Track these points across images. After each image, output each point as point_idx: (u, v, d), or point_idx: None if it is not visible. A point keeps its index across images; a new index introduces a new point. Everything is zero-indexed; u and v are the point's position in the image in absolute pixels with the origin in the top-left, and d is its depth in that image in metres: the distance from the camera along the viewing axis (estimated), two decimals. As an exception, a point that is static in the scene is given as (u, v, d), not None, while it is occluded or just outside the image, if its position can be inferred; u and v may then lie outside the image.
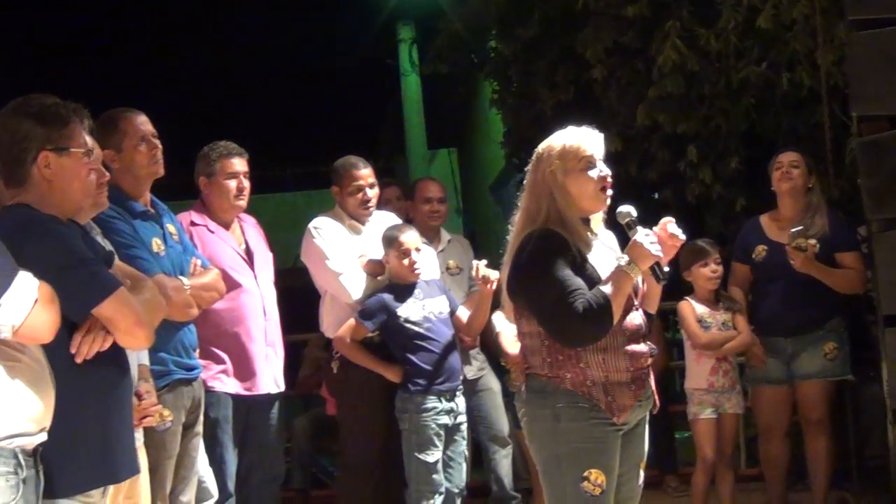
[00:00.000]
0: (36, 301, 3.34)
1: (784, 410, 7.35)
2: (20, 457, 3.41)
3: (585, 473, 4.56)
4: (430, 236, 7.42)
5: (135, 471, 4.21)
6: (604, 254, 4.72)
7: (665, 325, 8.59)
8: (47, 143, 3.95)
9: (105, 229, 4.96)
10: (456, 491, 6.73)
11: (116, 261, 4.36)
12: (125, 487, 4.50)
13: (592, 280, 4.54)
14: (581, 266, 4.56)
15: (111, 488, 4.05)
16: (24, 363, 3.44)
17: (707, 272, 7.11)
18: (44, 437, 3.52)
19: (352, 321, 6.59)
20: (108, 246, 4.64)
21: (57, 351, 3.71)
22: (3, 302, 3.29)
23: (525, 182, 4.77)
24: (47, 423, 3.54)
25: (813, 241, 7.08)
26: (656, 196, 9.98)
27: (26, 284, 3.34)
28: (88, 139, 4.08)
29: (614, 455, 4.63)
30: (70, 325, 3.78)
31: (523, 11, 10.42)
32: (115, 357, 3.98)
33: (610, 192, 4.69)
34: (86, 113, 4.12)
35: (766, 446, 7.51)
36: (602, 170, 4.65)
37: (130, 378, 4.27)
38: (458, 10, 12.29)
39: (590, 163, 4.63)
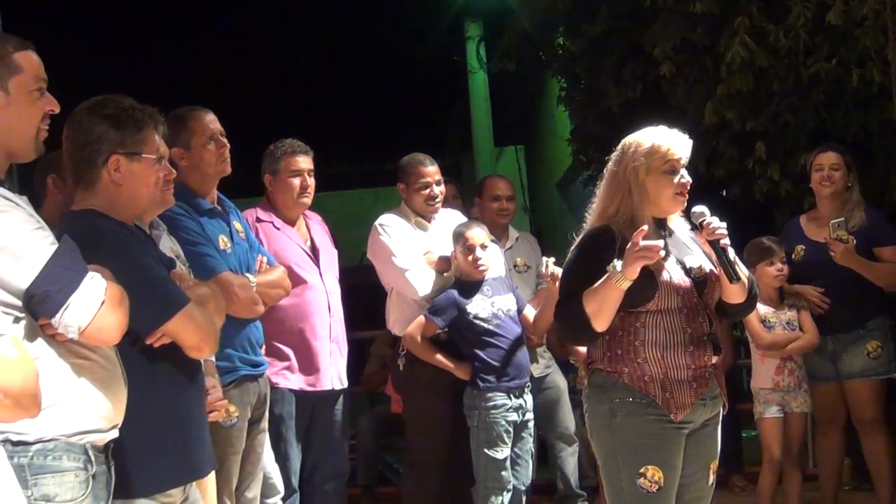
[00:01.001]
0: (103, 303, 3.35)
1: (836, 406, 7.36)
2: (90, 453, 3.43)
3: (642, 470, 4.55)
4: (498, 234, 7.43)
5: (214, 465, 4.26)
6: (674, 253, 4.70)
7: (732, 323, 8.53)
8: (120, 146, 3.96)
9: (172, 227, 5.01)
10: (522, 488, 6.74)
11: (177, 267, 4.39)
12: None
13: (643, 276, 4.50)
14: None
15: (192, 484, 4.09)
16: (94, 362, 3.46)
17: (773, 271, 7.08)
18: (115, 433, 3.55)
19: (421, 318, 6.60)
20: (170, 251, 4.69)
21: (131, 350, 3.77)
22: (71, 302, 3.30)
23: (605, 171, 4.77)
24: (119, 421, 3.57)
25: (851, 236, 7.09)
26: (724, 194, 9.93)
27: (95, 286, 3.36)
28: (162, 146, 4.09)
29: (674, 452, 4.60)
30: None
31: (591, 8, 10.39)
32: (183, 360, 4.02)
33: (685, 198, 4.70)
34: (161, 118, 4.13)
35: (822, 442, 7.54)
36: (684, 176, 4.67)
37: (203, 373, 4.30)
38: (526, 8, 12.24)
39: (674, 167, 4.65)
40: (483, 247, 6.58)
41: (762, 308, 7.08)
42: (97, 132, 3.95)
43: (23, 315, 3.30)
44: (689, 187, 4.69)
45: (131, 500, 3.82)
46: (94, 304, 3.34)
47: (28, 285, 3.27)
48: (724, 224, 4.68)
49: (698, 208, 4.72)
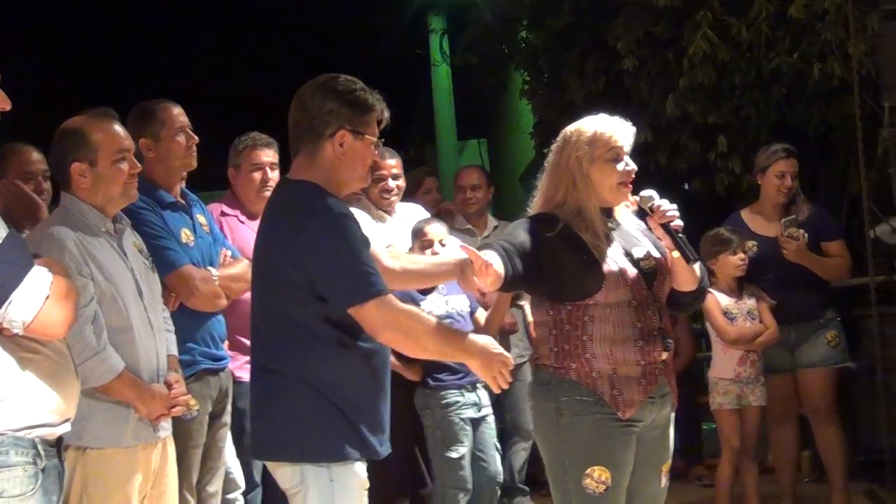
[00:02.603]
0: (48, 297, 3.30)
1: (792, 398, 7.40)
2: (40, 447, 3.39)
3: (588, 471, 4.39)
4: (474, 223, 7.41)
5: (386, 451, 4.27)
6: (617, 243, 4.54)
7: (692, 316, 8.52)
8: (348, 123, 4.11)
9: (134, 220, 4.93)
10: (495, 482, 6.67)
11: (142, 262, 4.37)
12: (154, 477, 4.48)
13: (583, 264, 4.41)
14: (573, 247, 4.44)
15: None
16: (43, 355, 3.41)
17: (736, 260, 7.08)
18: (67, 427, 3.50)
19: None
20: (133, 245, 4.64)
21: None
22: (13, 297, 3.26)
23: (546, 163, 4.64)
24: (71, 415, 3.53)
25: (803, 231, 7.18)
26: (686, 187, 9.94)
27: (39, 280, 3.31)
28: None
29: (622, 451, 4.45)
30: None
31: (554, 2, 10.41)
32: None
33: (629, 187, 4.57)
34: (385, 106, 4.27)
35: (778, 434, 7.55)
36: (628, 164, 4.52)
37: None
38: (489, 1, 12.23)
39: (618, 155, 4.50)
40: (441, 243, 6.51)
41: (723, 300, 7.08)
42: (327, 107, 4.12)
43: (-34, 311, 3.27)
44: (633, 175, 4.55)
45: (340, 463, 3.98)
46: (39, 298, 3.30)
47: None
48: (674, 206, 4.54)
49: (646, 192, 4.57)
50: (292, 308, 4.03)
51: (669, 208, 4.51)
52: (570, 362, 4.44)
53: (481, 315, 6.71)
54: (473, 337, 4.14)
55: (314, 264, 3.94)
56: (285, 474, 4.08)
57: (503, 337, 6.93)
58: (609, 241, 4.51)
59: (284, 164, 6.49)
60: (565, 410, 4.43)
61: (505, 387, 4.11)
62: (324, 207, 4.04)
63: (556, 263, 4.40)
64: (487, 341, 4.12)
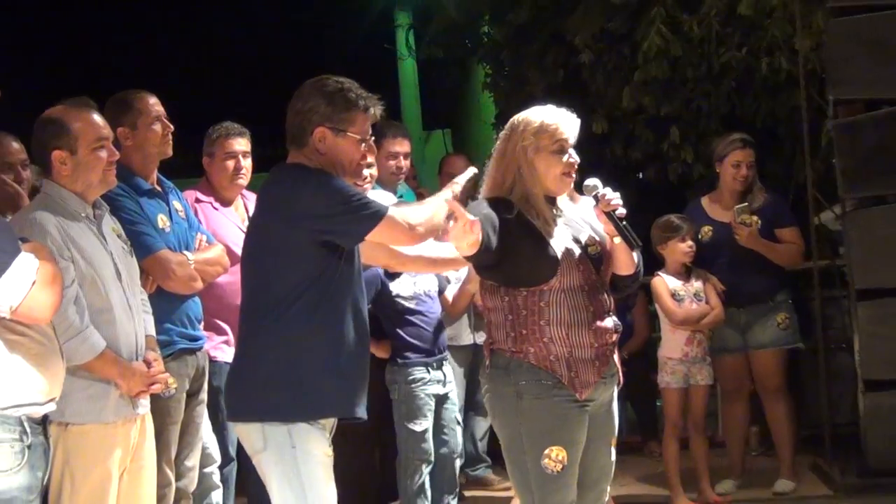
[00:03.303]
0: (34, 282, 3.29)
1: (743, 376, 7.48)
2: (26, 425, 3.40)
3: (547, 451, 4.38)
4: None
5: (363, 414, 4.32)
6: (566, 230, 4.52)
7: (648, 298, 8.55)
8: (327, 121, 4.19)
9: (113, 206, 4.91)
10: (454, 455, 6.68)
11: (120, 246, 4.37)
12: (133, 452, 4.47)
13: (538, 251, 4.41)
14: (528, 234, 4.42)
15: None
16: (29, 338, 3.42)
17: (684, 247, 7.11)
18: (52, 406, 3.50)
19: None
20: (111, 230, 4.62)
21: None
22: (1, 283, 3.26)
23: (494, 149, 4.63)
24: (56, 394, 3.53)
25: (755, 218, 7.22)
26: (640, 176, 9.97)
27: (25, 266, 3.30)
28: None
29: (577, 431, 4.45)
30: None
31: (514, -3, 10.39)
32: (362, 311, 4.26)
33: (573, 177, 4.55)
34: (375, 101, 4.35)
35: (728, 410, 7.66)
36: (572, 156, 4.49)
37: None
38: (453, -3, 12.20)
39: (563, 147, 4.47)
40: None
41: (672, 283, 7.12)
42: (309, 106, 4.21)
43: (-45, 296, 3.26)
44: (576, 167, 4.51)
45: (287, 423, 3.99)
46: (25, 284, 3.30)
47: None
48: (617, 194, 4.51)
49: (591, 181, 4.54)
50: (272, 278, 4.09)
51: (613, 196, 4.49)
52: (528, 346, 4.42)
53: (450, 293, 6.72)
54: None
55: (319, 217, 4.05)
56: (250, 437, 4.09)
57: (479, 319, 6.92)
58: (557, 227, 4.50)
59: (255, 154, 6.51)
60: (525, 394, 4.41)
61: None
62: (312, 174, 4.17)
63: (513, 247, 4.37)
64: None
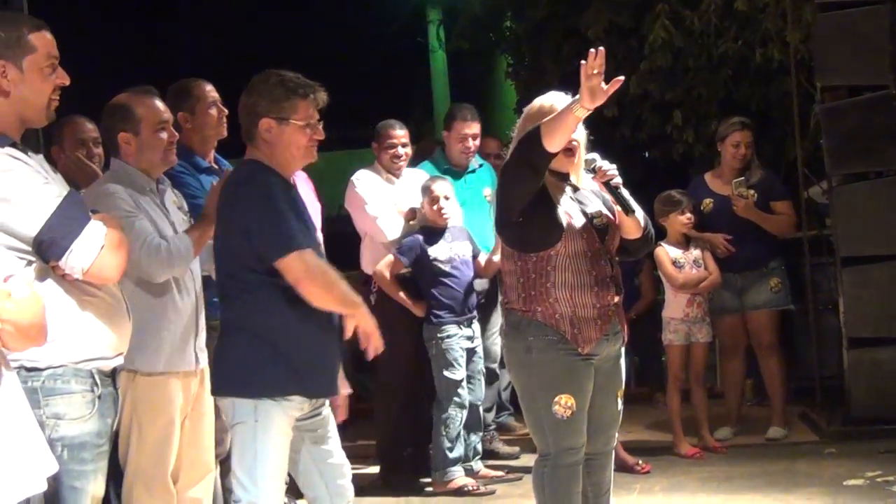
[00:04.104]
0: (103, 247, 3.28)
1: (739, 334, 7.47)
2: (97, 377, 3.38)
3: (556, 398, 4.39)
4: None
5: (334, 391, 4.21)
6: (574, 203, 4.51)
7: (653, 264, 8.51)
8: (269, 112, 4.02)
9: (174, 182, 4.89)
10: (478, 403, 6.71)
11: (181, 217, 4.32)
12: (193, 401, 4.45)
13: (548, 217, 4.40)
14: (543, 202, 4.41)
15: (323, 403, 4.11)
16: (100, 298, 3.40)
17: (683, 219, 7.09)
18: (120, 360, 3.49)
19: (390, 257, 6.56)
20: (173, 202, 4.60)
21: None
22: (74, 247, 3.24)
23: (513, 130, 4.61)
24: (123, 349, 3.51)
25: (752, 192, 7.21)
26: (646, 155, 9.95)
27: (95, 232, 3.30)
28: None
29: (583, 381, 4.45)
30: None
31: (534, -5, 10.37)
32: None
33: (575, 155, 4.50)
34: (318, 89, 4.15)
35: (726, 365, 7.68)
36: (572, 138, 4.43)
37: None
38: (479, -4, 12.19)
39: None
40: (446, 198, 6.51)
41: (672, 251, 7.09)
42: (251, 101, 4.06)
43: (34, 259, 3.26)
44: (575, 145, 4.45)
45: (256, 398, 3.88)
46: (95, 248, 3.28)
47: (36, 233, 3.22)
48: (614, 166, 4.52)
49: (590, 155, 4.54)
50: (237, 269, 3.98)
51: (609, 168, 4.51)
52: (537, 306, 4.43)
53: (482, 259, 6.69)
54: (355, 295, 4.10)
55: (248, 226, 3.88)
56: (225, 410, 4.02)
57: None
58: (566, 199, 4.50)
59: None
60: (534, 348, 4.43)
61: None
62: (255, 179, 3.99)
63: (528, 213, 4.39)
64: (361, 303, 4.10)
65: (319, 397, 4.12)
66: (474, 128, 7.03)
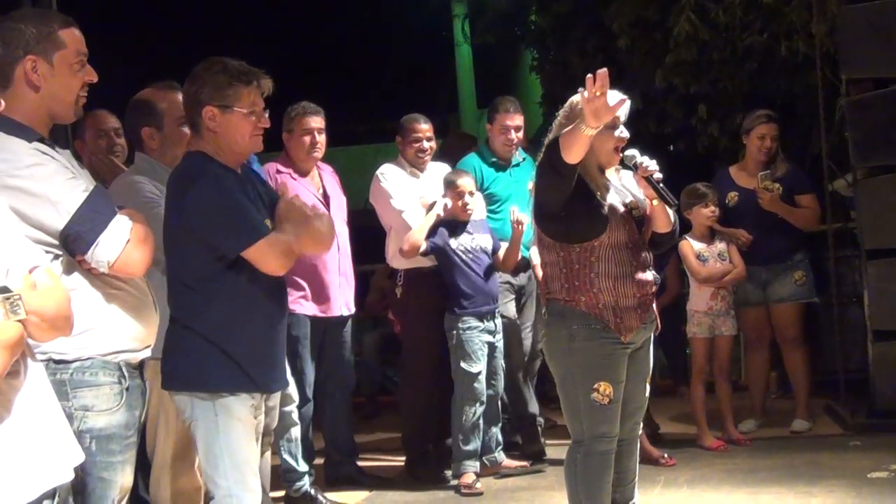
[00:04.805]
0: (128, 241, 3.29)
1: (764, 327, 7.42)
2: (124, 369, 3.40)
3: (595, 385, 4.46)
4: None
5: (284, 385, 4.22)
6: (615, 195, 4.58)
7: (679, 258, 8.51)
8: (211, 100, 3.88)
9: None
10: (499, 395, 6.69)
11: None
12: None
13: (592, 209, 4.45)
14: (585, 195, 4.45)
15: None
16: (126, 291, 3.41)
17: (707, 212, 7.04)
18: (147, 353, 3.50)
19: (413, 236, 6.49)
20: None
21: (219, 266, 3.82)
22: (100, 240, 3.26)
23: (555, 124, 4.58)
24: (151, 342, 3.53)
25: (777, 185, 7.18)
26: (671, 148, 9.94)
27: (121, 226, 3.31)
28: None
29: (621, 369, 4.53)
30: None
31: (559, -11, 10.37)
32: (278, 292, 4.00)
33: (620, 152, 4.55)
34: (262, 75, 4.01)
35: (750, 358, 7.62)
36: (623, 132, 4.50)
37: (286, 309, 4.18)
38: (504, -11, 12.21)
39: (615, 123, 4.46)
40: (471, 194, 6.50)
41: (696, 245, 7.06)
42: (192, 90, 3.92)
43: (61, 253, 3.27)
44: (626, 142, 4.53)
45: (213, 394, 3.82)
46: (121, 241, 3.29)
47: (63, 227, 3.23)
48: (654, 161, 4.56)
49: (630, 151, 4.56)
50: (182, 267, 3.89)
51: (650, 164, 4.53)
52: (580, 296, 4.48)
53: (501, 252, 6.67)
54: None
55: (202, 223, 3.76)
56: (180, 404, 3.93)
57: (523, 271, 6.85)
58: (608, 192, 4.55)
59: (329, 130, 6.49)
60: (577, 336, 4.48)
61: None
62: (202, 173, 3.87)
63: (572, 206, 4.42)
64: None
65: (271, 392, 4.12)
66: (517, 119, 6.95)
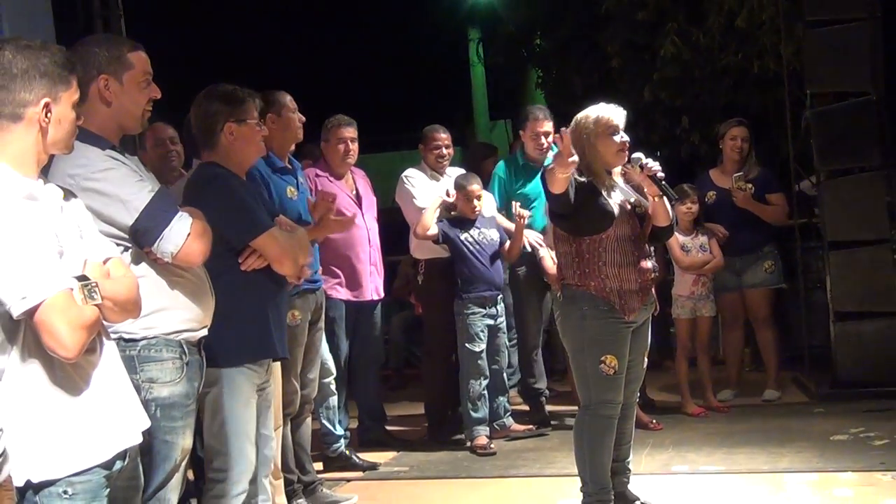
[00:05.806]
0: (189, 235, 3.30)
1: (739, 309, 7.40)
2: (185, 346, 3.40)
3: (602, 358, 4.55)
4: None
5: (285, 353, 4.21)
6: (619, 194, 4.67)
7: (665, 248, 8.50)
8: (231, 116, 4.00)
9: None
10: (503, 370, 6.66)
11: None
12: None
13: (600, 207, 4.56)
14: (594, 195, 4.57)
15: (269, 363, 4.09)
16: (187, 279, 3.41)
17: (684, 209, 6.98)
18: (205, 332, 3.50)
19: (425, 219, 6.48)
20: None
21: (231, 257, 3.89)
22: (164, 235, 3.27)
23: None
24: (208, 323, 3.52)
25: (750, 185, 7.18)
26: (658, 154, 9.90)
27: (183, 222, 3.31)
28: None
29: (625, 345, 4.61)
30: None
31: (560, 17, 10.40)
32: (273, 274, 4.01)
33: (626, 153, 4.65)
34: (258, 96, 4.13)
35: (727, 336, 7.60)
36: (623, 137, 4.62)
37: (286, 288, 4.22)
38: (512, 17, 12.21)
39: (615, 130, 4.61)
40: (479, 197, 6.48)
41: (681, 237, 7.02)
42: (213, 109, 4.01)
43: (131, 245, 3.28)
44: (628, 144, 4.64)
45: (229, 368, 3.85)
46: (182, 235, 3.29)
47: (132, 223, 3.24)
48: (657, 162, 4.70)
49: (636, 154, 4.69)
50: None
51: (654, 164, 4.67)
52: (590, 281, 4.59)
53: (506, 246, 6.66)
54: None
55: (217, 217, 3.66)
56: None
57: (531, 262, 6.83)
58: (614, 191, 4.65)
59: (361, 139, 6.47)
60: (588, 315, 4.58)
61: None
62: (215, 177, 3.95)
63: (582, 203, 4.52)
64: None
65: (272, 357, 4.09)
66: (546, 126, 6.82)
